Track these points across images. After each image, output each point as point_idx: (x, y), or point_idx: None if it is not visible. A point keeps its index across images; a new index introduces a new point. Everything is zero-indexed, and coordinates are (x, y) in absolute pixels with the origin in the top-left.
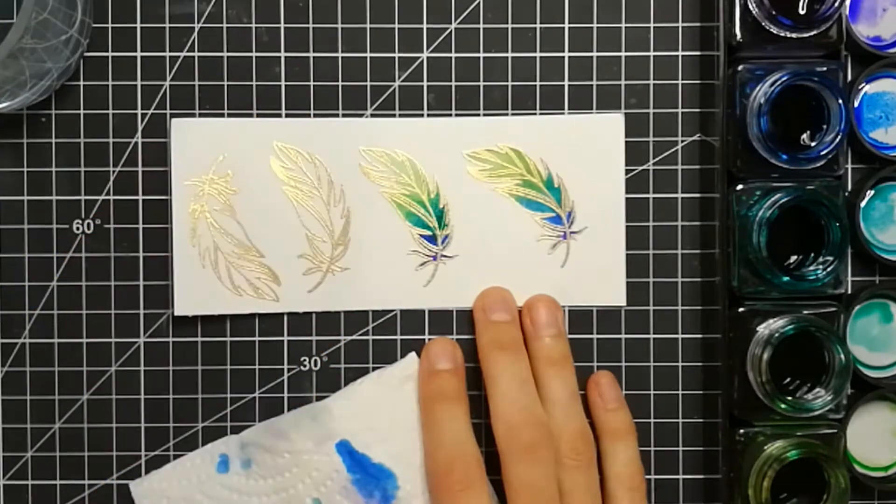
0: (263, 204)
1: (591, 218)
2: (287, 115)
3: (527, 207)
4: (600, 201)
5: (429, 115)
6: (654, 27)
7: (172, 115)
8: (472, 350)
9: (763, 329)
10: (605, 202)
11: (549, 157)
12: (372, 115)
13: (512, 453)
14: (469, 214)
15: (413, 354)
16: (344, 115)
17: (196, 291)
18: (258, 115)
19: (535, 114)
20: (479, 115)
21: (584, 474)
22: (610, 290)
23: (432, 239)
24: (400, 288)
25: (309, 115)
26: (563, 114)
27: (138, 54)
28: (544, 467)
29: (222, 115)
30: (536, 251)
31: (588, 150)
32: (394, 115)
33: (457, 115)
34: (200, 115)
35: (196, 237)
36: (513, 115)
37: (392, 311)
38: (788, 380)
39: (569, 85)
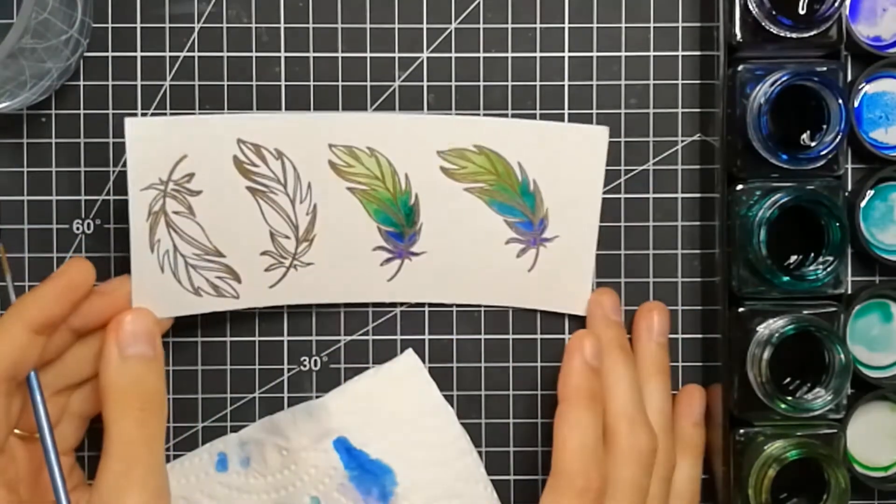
0: (226, 203)
1: (563, 228)
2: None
3: (498, 210)
4: (574, 213)
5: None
6: (654, 27)
7: (173, 114)
8: (464, 350)
9: (763, 329)
10: (580, 214)
11: (528, 163)
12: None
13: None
14: (438, 213)
15: (410, 350)
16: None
17: (155, 296)
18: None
19: (514, 115)
20: (451, 113)
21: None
22: (572, 300)
23: (399, 236)
24: (363, 283)
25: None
26: (547, 121)
27: (138, 54)
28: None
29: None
30: (503, 254)
31: (568, 161)
32: None
33: (429, 112)
34: (200, 116)
35: (155, 241)
36: (513, 115)
37: (392, 310)
38: (788, 380)
39: (569, 85)
